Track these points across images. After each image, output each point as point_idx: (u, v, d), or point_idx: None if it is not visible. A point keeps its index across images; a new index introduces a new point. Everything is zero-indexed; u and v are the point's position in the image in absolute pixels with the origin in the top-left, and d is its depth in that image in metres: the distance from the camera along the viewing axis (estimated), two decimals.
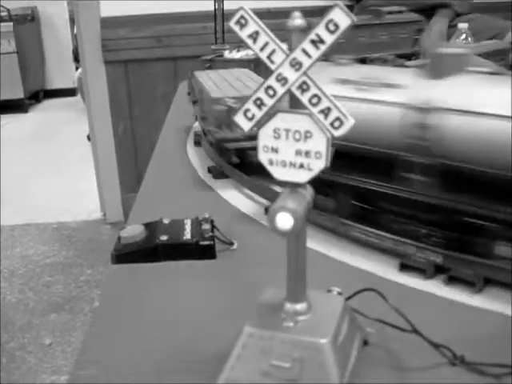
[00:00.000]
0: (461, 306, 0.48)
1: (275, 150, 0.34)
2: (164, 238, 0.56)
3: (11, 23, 4.58)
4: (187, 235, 0.57)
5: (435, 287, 0.50)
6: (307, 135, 0.33)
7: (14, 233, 2.60)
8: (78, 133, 3.86)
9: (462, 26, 1.65)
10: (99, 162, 2.64)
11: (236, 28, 0.31)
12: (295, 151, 0.33)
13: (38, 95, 5.07)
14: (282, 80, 0.32)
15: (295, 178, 0.34)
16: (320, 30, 0.31)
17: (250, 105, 0.33)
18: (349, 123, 0.31)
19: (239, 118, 0.34)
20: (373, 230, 0.56)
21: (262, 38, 0.32)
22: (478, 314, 0.47)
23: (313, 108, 0.32)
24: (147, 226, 0.59)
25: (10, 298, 2.07)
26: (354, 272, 0.54)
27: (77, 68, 4.42)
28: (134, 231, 0.58)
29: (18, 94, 4.68)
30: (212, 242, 0.56)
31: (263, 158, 0.34)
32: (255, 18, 0.32)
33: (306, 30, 0.31)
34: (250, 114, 0.33)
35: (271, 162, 0.34)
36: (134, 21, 2.50)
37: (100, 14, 2.49)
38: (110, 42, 2.51)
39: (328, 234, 0.61)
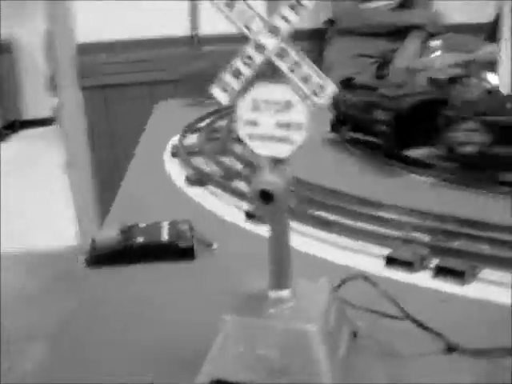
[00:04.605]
0: (450, 296, 0.46)
1: (254, 124, 0.32)
2: (140, 239, 0.54)
3: None
4: (165, 236, 0.55)
5: (423, 280, 0.49)
6: (287, 106, 0.31)
7: None
8: (55, 162, 3.81)
9: (435, 43, 1.68)
10: (76, 192, 2.60)
11: None
12: (275, 124, 0.32)
13: (14, 125, 5.03)
14: (260, 48, 0.31)
15: (276, 153, 0.32)
16: None
17: (226, 76, 0.32)
18: (331, 89, 0.30)
19: (215, 91, 0.32)
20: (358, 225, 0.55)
21: (238, 6, 0.30)
22: (468, 304, 0.45)
23: (293, 76, 0.31)
24: (122, 229, 0.57)
25: None
26: (338, 268, 0.52)
27: (54, 96, 4.39)
28: (108, 234, 0.56)
29: None
30: (191, 243, 0.54)
31: (242, 132, 0.33)
32: None
33: None
34: (226, 86, 0.32)
35: (251, 136, 0.33)
36: (110, 46, 2.50)
37: (76, 40, 2.48)
38: (86, 67, 2.50)
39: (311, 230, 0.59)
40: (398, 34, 2.24)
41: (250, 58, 0.31)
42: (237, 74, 0.31)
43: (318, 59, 2.48)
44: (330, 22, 2.35)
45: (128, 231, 0.56)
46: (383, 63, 2.31)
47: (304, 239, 0.58)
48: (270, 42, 0.30)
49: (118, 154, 2.64)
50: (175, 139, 1.08)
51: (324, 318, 0.35)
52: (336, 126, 0.96)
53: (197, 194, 0.75)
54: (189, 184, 0.79)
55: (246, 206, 0.67)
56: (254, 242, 0.59)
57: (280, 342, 0.34)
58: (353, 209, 0.60)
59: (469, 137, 0.67)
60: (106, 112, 2.58)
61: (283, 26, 0.30)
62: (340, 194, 0.65)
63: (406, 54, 2.22)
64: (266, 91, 0.31)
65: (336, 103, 0.92)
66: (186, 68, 1.53)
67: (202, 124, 1.15)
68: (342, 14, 2.26)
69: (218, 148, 0.92)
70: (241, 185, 0.74)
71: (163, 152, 1.00)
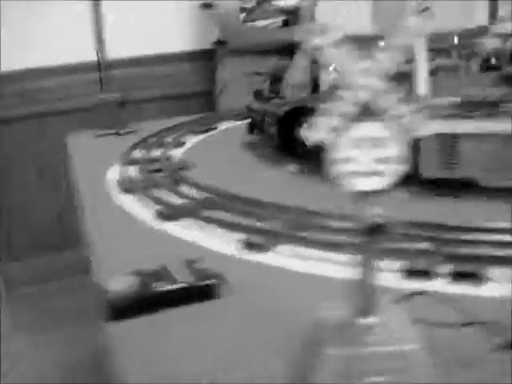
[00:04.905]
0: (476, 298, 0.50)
1: (351, 161, 0.33)
2: (161, 284, 0.52)
3: None
4: (186, 278, 0.53)
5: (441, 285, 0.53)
6: (383, 141, 0.33)
7: None
8: None
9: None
10: None
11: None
12: (373, 159, 0.33)
13: None
14: (360, 87, 0.32)
15: (374, 186, 0.34)
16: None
17: (328, 115, 0.33)
18: (427, 123, 0.32)
19: (309, 130, 0.33)
20: None
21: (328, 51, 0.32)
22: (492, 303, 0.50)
23: (389, 112, 0.32)
24: (135, 275, 0.54)
25: None
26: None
27: None
28: (123, 282, 0.53)
29: None
30: (214, 281, 0.53)
31: (338, 170, 0.34)
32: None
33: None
34: (328, 125, 0.33)
35: (347, 174, 0.34)
36: None
37: None
38: None
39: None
40: (286, 51, 2.34)
41: (347, 97, 0.32)
42: (333, 113, 0.32)
43: (210, 79, 2.52)
44: (219, 42, 2.39)
45: (142, 277, 0.54)
46: (275, 79, 2.40)
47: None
48: (369, 82, 0.32)
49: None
50: (113, 173, 1.04)
51: (415, 335, 0.37)
52: (251, 129, 1.17)
53: (172, 229, 0.74)
54: (161, 219, 0.76)
55: (238, 236, 0.67)
56: (263, 272, 0.60)
57: (388, 367, 0.35)
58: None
59: None
60: None
61: (380, 67, 0.32)
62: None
63: (296, 69, 2.33)
64: (363, 129, 0.33)
65: (249, 110, 1.17)
66: (97, 96, 1.47)
67: (138, 155, 1.12)
68: (231, 35, 2.31)
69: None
70: (222, 214, 0.73)
71: (104, 187, 0.96)
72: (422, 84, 0.82)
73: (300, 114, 0.96)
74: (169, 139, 1.24)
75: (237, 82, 2.34)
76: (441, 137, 0.72)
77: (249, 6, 2.32)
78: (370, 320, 0.38)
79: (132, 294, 0.51)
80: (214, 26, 2.37)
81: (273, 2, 2.34)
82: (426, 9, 1.10)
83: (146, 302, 0.51)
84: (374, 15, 2.85)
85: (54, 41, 2.32)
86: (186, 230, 0.72)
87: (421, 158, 0.73)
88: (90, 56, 2.31)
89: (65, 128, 2.42)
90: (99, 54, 1.48)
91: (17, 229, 2.49)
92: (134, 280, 0.53)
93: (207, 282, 0.53)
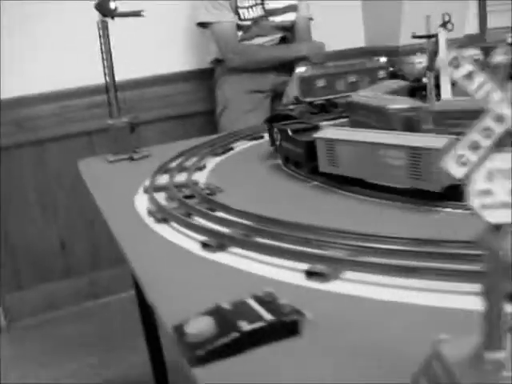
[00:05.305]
0: None
1: (489, 193, 0.32)
2: (244, 323, 0.50)
3: None
4: (267, 315, 0.51)
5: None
6: None
7: None
8: None
9: None
10: None
11: (450, 69, 0.30)
12: (509, 190, 0.32)
13: None
14: (501, 119, 0.31)
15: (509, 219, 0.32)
16: None
17: (463, 149, 0.31)
18: None
19: (450, 165, 0.31)
20: None
21: (478, 79, 0.30)
22: None
23: None
24: (210, 314, 0.52)
25: None
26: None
27: None
28: (201, 323, 0.50)
29: None
30: (296, 317, 0.51)
31: (475, 202, 0.32)
32: (469, 59, 0.30)
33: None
34: (463, 159, 0.31)
35: (484, 206, 0.32)
36: None
37: None
38: None
39: None
40: (285, 67, 2.34)
41: (489, 129, 0.31)
42: (474, 146, 0.31)
43: (209, 99, 2.51)
44: (217, 61, 2.39)
45: (220, 316, 0.51)
46: (275, 96, 2.40)
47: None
48: (510, 113, 0.31)
49: (8, 226, 2.40)
50: (140, 201, 1.02)
51: None
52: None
53: (224, 259, 0.71)
54: (209, 249, 0.74)
55: (298, 264, 0.65)
56: (338, 302, 0.58)
57: None
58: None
59: None
60: None
61: None
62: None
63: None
64: (501, 160, 0.31)
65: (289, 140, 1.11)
66: (104, 121, 1.45)
67: (162, 181, 1.10)
68: (229, 53, 2.31)
69: None
70: (273, 242, 0.71)
71: (137, 217, 0.94)
72: None
73: None
74: (188, 163, 1.22)
75: (238, 100, 2.33)
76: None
77: (245, 23, 2.32)
78: (500, 354, 0.36)
79: (214, 335, 0.49)
80: (211, 44, 2.36)
81: (269, 19, 2.34)
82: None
83: (230, 343, 0.49)
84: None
85: (49, 67, 2.30)
86: (240, 260, 0.70)
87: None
88: (83, 81, 2.31)
89: (64, 154, 2.41)
90: (107, 78, 1.45)
91: (19, 257, 2.44)
92: (212, 320, 0.51)
93: (292, 317, 0.51)
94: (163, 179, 1.11)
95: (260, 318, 0.51)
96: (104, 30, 1.43)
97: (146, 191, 1.06)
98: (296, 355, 0.49)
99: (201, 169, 1.19)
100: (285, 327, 0.51)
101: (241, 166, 1.23)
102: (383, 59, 1.60)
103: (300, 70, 1.58)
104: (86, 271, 2.50)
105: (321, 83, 1.49)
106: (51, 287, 2.47)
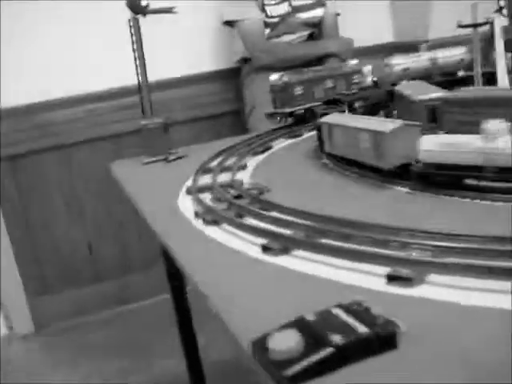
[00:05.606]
0: None
1: None
2: (337, 337, 0.44)
3: None
4: (360, 327, 0.45)
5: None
6: None
7: None
8: None
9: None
10: None
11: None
12: None
13: None
14: None
15: None
16: None
17: None
18: None
19: None
20: None
21: None
22: None
23: None
24: (295, 327, 0.46)
25: None
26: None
27: None
28: (286, 339, 0.45)
29: None
30: (394, 329, 0.45)
31: None
32: None
33: None
34: None
35: None
36: (12, 113, 2.26)
37: None
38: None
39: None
40: (313, 64, 2.28)
41: None
42: None
43: (236, 98, 2.46)
44: (244, 60, 2.34)
45: (304, 330, 0.46)
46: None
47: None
48: None
49: (35, 228, 2.38)
50: (183, 202, 0.97)
51: None
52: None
53: (288, 262, 0.66)
54: (270, 253, 0.69)
55: (374, 267, 0.59)
56: (427, 309, 0.52)
57: None
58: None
59: None
60: (18, 185, 2.32)
61: None
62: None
63: None
64: None
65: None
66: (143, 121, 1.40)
67: (204, 182, 1.05)
68: (256, 52, 2.25)
69: None
70: (340, 243, 0.65)
71: (184, 220, 0.88)
72: None
73: None
74: (228, 163, 1.17)
75: (266, 100, 2.27)
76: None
77: (272, 21, 2.26)
78: None
79: (302, 352, 0.43)
80: (238, 43, 2.31)
81: (296, 15, 2.28)
82: None
83: (324, 360, 0.43)
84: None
85: (78, 69, 2.27)
86: (306, 264, 0.64)
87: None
88: (109, 84, 2.28)
89: (90, 158, 2.38)
90: (140, 79, 1.41)
91: (47, 262, 2.41)
92: (298, 333, 0.45)
93: (389, 329, 0.45)
94: (205, 180, 1.06)
95: (352, 330, 0.45)
96: (136, 27, 1.39)
97: (189, 192, 1.01)
98: (397, 371, 0.43)
99: (243, 168, 1.14)
100: (381, 340, 0.45)
101: (285, 165, 1.17)
102: (354, 61, 1.54)
103: (273, 77, 1.50)
104: (115, 275, 2.46)
105: (298, 91, 1.42)
106: (79, 292, 2.44)
